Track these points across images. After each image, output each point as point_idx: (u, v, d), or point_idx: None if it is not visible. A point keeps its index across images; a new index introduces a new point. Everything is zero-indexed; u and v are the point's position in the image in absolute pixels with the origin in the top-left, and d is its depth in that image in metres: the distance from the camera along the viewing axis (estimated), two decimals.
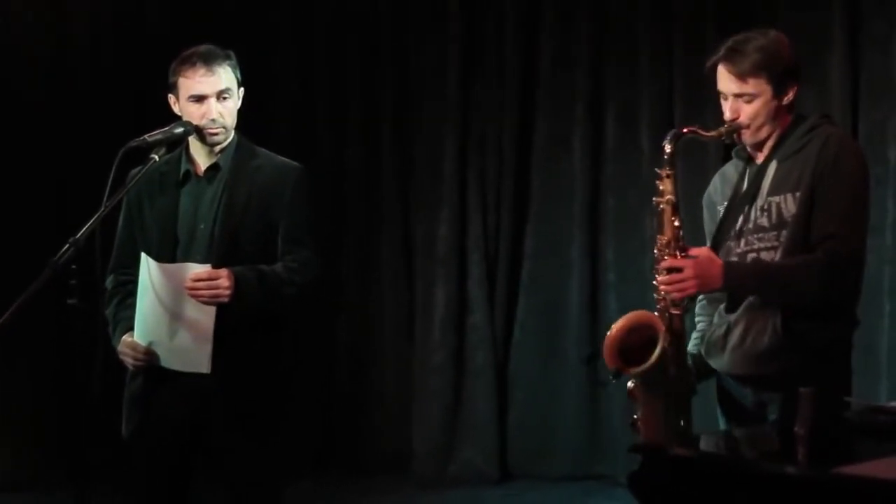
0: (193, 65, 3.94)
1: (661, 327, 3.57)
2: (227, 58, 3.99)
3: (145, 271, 3.89)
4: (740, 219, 3.68)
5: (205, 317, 3.83)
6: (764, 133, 3.65)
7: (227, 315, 3.84)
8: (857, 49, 6.20)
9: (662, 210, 3.63)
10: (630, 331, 3.61)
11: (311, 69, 7.63)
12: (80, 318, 3.76)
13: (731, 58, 3.62)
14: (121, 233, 4.12)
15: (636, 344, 3.59)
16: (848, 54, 6.18)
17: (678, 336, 3.62)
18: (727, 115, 3.66)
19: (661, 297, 3.61)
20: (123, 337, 3.97)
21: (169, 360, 3.92)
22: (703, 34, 6.49)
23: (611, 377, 3.63)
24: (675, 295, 3.56)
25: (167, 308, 3.87)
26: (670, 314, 3.60)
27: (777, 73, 3.60)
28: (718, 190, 3.85)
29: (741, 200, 3.69)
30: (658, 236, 3.64)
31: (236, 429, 3.93)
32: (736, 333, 3.63)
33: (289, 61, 7.63)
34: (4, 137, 6.98)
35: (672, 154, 3.63)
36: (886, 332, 5.99)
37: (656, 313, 3.63)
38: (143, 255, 3.90)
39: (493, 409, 7.21)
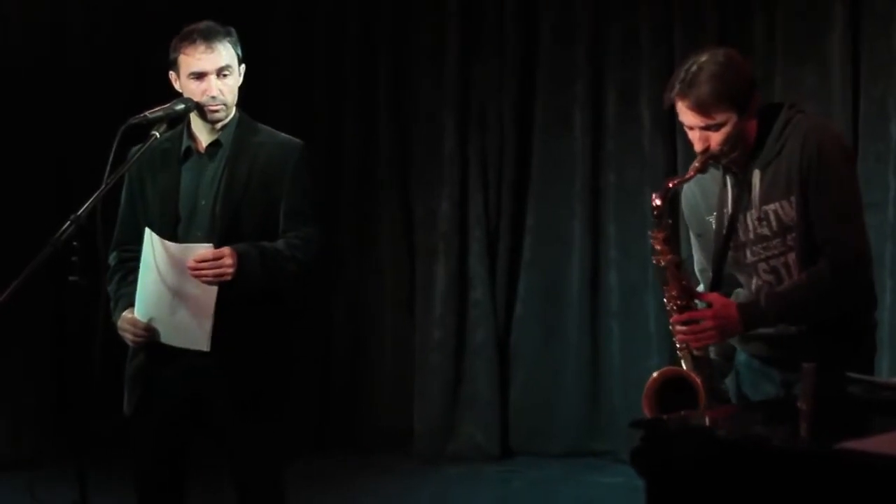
0: (193, 42, 3.92)
1: (695, 378, 3.54)
2: (228, 34, 3.98)
3: (149, 248, 3.87)
4: (739, 231, 3.62)
5: (206, 295, 3.81)
6: (738, 151, 3.56)
7: (228, 292, 3.83)
8: (857, 25, 6.18)
9: (665, 267, 3.59)
10: (660, 389, 3.58)
11: (309, 46, 7.62)
12: (81, 295, 3.76)
13: (688, 93, 3.49)
14: (123, 209, 4.11)
15: (670, 395, 3.55)
16: (849, 30, 6.16)
17: (708, 375, 3.60)
18: (697, 146, 3.55)
19: (682, 346, 3.60)
20: (123, 313, 3.97)
21: (169, 337, 3.91)
22: (703, 10, 6.49)
23: None
24: (696, 345, 3.54)
25: (169, 285, 3.86)
26: (694, 357, 3.59)
27: (737, 95, 3.49)
28: (697, 195, 3.76)
29: (732, 213, 3.63)
30: (665, 287, 3.60)
31: (238, 407, 3.93)
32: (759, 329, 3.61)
33: (286, 38, 7.62)
34: (3, 115, 6.96)
35: (662, 212, 3.57)
36: (888, 309, 5.98)
37: (679, 354, 3.61)
38: (147, 231, 3.89)
39: (494, 385, 7.22)
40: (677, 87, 3.52)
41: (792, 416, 2.77)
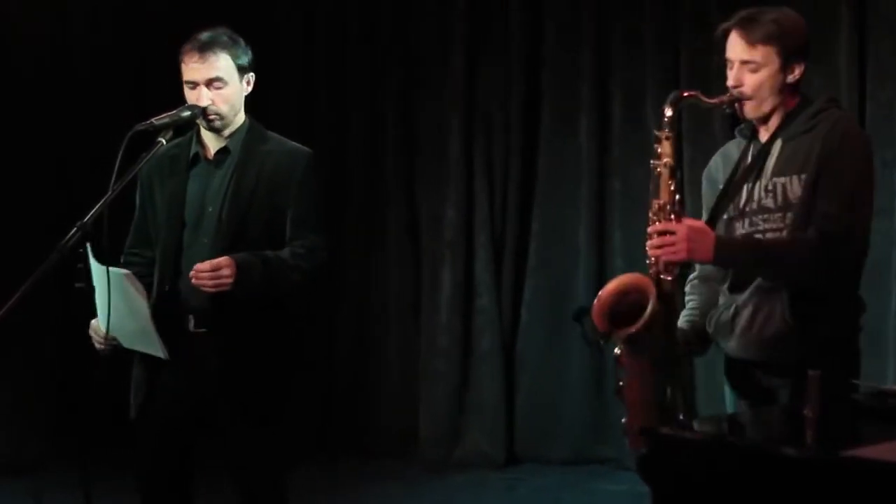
0: (190, 51, 3.97)
1: (651, 289, 3.51)
2: (228, 45, 3.98)
3: (94, 261, 3.86)
4: (743, 197, 3.64)
5: (143, 310, 3.82)
6: (767, 107, 3.61)
7: (230, 299, 3.84)
8: (864, 30, 6.18)
9: (660, 173, 3.57)
10: (621, 294, 3.56)
11: (313, 48, 7.62)
12: (86, 302, 3.77)
13: (744, 24, 3.59)
14: (137, 213, 4.16)
15: (627, 308, 3.53)
16: (856, 35, 6.16)
17: (668, 302, 3.57)
18: (730, 81, 3.61)
19: (652, 263, 3.55)
20: (93, 321, 3.98)
21: (130, 343, 3.93)
22: (709, 14, 6.47)
23: (600, 340, 3.59)
24: (665, 258, 3.50)
25: (114, 299, 3.83)
26: (661, 279, 3.55)
27: (787, 46, 3.57)
28: (720, 168, 3.81)
29: (742, 177, 3.66)
30: (653, 200, 3.58)
31: (240, 410, 3.94)
32: (744, 317, 3.61)
33: (291, 40, 7.62)
34: (4, 119, 6.97)
35: (672, 117, 3.59)
36: (894, 315, 5.97)
37: (648, 269, 3.58)
38: (87, 247, 3.78)
39: (500, 392, 7.21)
40: (735, 18, 3.62)
41: (797, 424, 2.76)
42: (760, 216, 3.60)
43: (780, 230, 3.56)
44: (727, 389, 3.80)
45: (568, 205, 7.10)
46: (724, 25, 3.64)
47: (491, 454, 7.18)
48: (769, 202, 3.59)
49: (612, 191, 6.98)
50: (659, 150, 3.59)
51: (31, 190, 7.02)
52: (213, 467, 4.12)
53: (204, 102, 3.94)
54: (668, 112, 3.59)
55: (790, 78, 3.60)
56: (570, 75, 7.07)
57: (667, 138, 3.59)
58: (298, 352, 4.12)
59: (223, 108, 3.97)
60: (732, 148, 3.81)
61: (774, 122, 3.64)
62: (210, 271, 3.79)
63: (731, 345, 3.69)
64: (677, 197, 3.57)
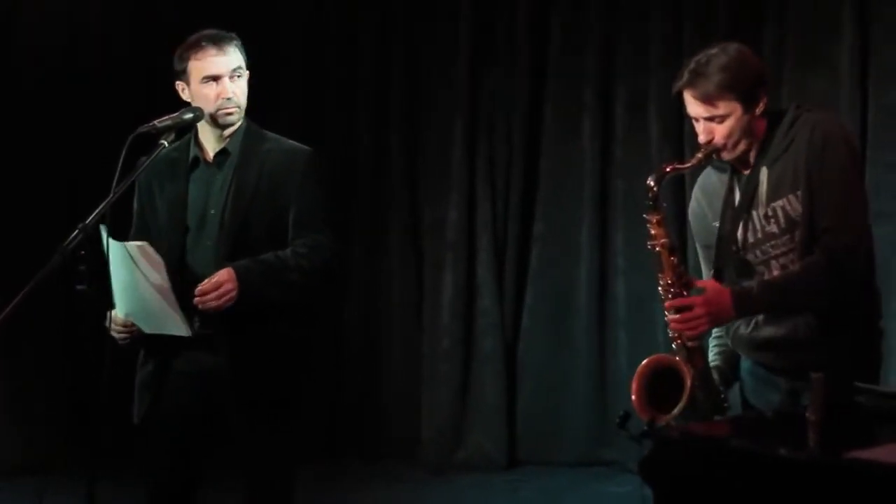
0: (203, 47, 3.94)
1: (683, 366, 3.57)
2: (234, 39, 3.99)
3: (111, 248, 3.80)
4: (740, 231, 3.62)
5: (165, 286, 3.80)
6: (742, 147, 3.58)
7: (235, 304, 3.83)
8: (866, 34, 6.17)
9: (659, 252, 3.60)
10: (652, 377, 3.61)
11: (320, 53, 7.63)
12: (88, 304, 3.76)
13: (695, 82, 3.53)
14: (135, 220, 4.13)
15: (663, 385, 3.59)
16: (858, 39, 6.15)
17: (701, 368, 3.62)
18: (701, 137, 3.58)
19: (675, 336, 3.60)
20: (112, 311, 3.95)
21: (151, 327, 3.91)
22: (714, 19, 6.48)
23: (645, 427, 3.61)
24: (689, 333, 3.54)
25: (133, 280, 3.82)
26: (688, 348, 3.60)
27: (744, 88, 3.52)
28: (703, 204, 3.78)
29: (737, 212, 3.64)
30: (660, 275, 3.61)
31: (246, 414, 3.93)
32: (764, 330, 3.62)
33: (297, 45, 7.63)
34: (15, 125, 6.98)
35: (657, 196, 3.58)
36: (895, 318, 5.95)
37: (674, 346, 3.63)
38: (101, 228, 3.76)
39: (502, 394, 7.22)
40: (685, 76, 3.57)
41: (800, 426, 2.76)
42: (769, 243, 3.59)
43: (791, 251, 3.55)
44: (742, 395, 3.80)
45: (570, 207, 7.11)
46: (676, 86, 3.59)
47: (493, 456, 7.18)
48: (773, 228, 3.57)
49: (614, 193, 6.98)
50: (652, 232, 3.61)
51: (38, 192, 7.03)
52: (219, 469, 4.11)
53: (229, 94, 3.92)
54: (654, 191, 3.58)
55: (757, 111, 3.56)
56: (573, 78, 7.08)
57: (657, 222, 3.60)
58: (304, 353, 4.10)
59: (242, 100, 3.97)
60: (713, 180, 3.76)
61: (753, 152, 3.62)
62: (213, 290, 3.79)
63: (752, 353, 3.70)
64: (683, 269, 3.60)
